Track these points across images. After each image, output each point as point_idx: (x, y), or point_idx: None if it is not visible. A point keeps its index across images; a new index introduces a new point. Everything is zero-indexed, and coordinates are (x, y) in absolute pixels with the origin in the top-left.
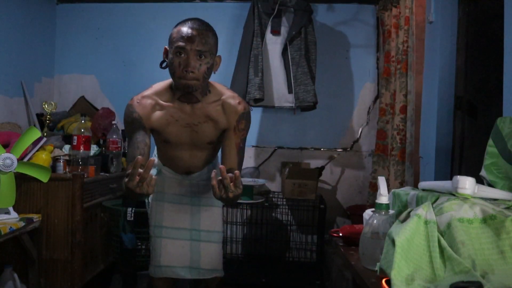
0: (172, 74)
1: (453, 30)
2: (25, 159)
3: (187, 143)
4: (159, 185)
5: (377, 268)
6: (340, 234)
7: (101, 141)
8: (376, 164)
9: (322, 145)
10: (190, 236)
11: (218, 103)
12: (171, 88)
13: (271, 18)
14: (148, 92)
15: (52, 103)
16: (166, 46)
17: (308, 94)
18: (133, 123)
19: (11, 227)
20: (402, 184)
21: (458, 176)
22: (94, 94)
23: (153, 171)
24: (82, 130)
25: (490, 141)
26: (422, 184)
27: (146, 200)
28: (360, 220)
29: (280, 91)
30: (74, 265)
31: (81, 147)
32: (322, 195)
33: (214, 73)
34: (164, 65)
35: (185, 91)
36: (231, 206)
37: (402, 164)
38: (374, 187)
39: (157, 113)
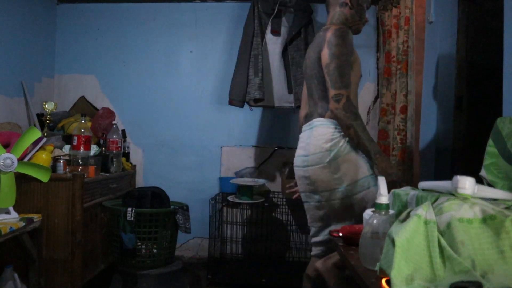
0: (361, 18)
1: (453, 30)
2: (25, 159)
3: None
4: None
5: (377, 268)
6: (340, 234)
7: (101, 141)
8: None
9: None
10: None
11: None
12: None
13: (271, 18)
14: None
15: (52, 103)
16: None
17: None
18: (351, 48)
19: (11, 227)
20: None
21: (458, 176)
22: (94, 94)
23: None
24: (82, 130)
25: (490, 141)
26: (422, 184)
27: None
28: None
29: (280, 91)
30: (74, 265)
31: (81, 147)
32: None
33: None
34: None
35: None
36: (232, 205)
37: (403, 164)
38: None
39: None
